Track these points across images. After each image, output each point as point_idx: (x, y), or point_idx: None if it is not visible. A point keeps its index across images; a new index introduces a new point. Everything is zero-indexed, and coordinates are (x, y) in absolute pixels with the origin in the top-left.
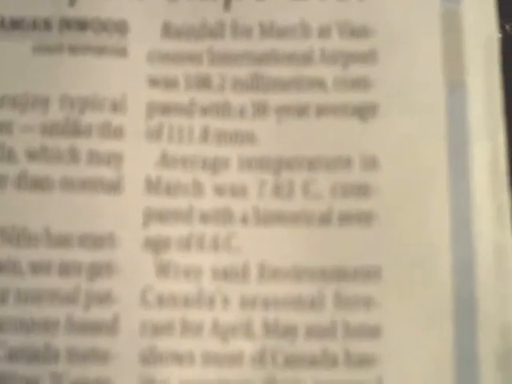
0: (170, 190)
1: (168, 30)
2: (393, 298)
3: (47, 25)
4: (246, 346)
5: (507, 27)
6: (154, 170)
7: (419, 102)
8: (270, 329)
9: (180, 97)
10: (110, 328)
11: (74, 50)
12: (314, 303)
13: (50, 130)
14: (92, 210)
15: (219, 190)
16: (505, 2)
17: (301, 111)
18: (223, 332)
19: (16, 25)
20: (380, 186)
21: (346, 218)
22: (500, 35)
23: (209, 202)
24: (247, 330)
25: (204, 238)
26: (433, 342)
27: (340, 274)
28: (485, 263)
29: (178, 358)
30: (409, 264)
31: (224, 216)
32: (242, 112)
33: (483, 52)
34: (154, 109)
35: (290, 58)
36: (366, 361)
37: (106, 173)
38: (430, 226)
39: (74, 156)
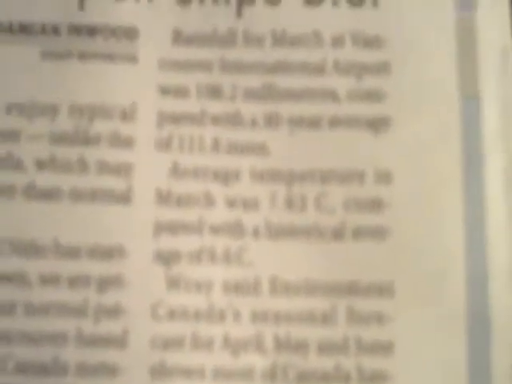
0: (181, 201)
1: (179, 37)
2: (406, 313)
3: (56, 30)
4: (257, 361)
5: None
6: (165, 181)
7: (433, 113)
8: (282, 344)
9: (191, 106)
10: (120, 342)
11: (83, 56)
12: (327, 318)
13: (58, 138)
14: (101, 222)
15: (230, 202)
16: None
17: (313, 123)
18: (234, 346)
19: (24, 29)
20: (393, 200)
21: (359, 233)
22: None
23: (220, 214)
24: (258, 345)
25: (215, 250)
26: (446, 357)
27: (353, 289)
28: (499, 276)
29: (188, 373)
30: (422, 279)
31: (235, 229)
32: (253, 122)
33: (498, 62)
34: (164, 118)
35: (303, 68)
36: (378, 377)
37: (115, 183)
38: (443, 240)
39: (83, 166)
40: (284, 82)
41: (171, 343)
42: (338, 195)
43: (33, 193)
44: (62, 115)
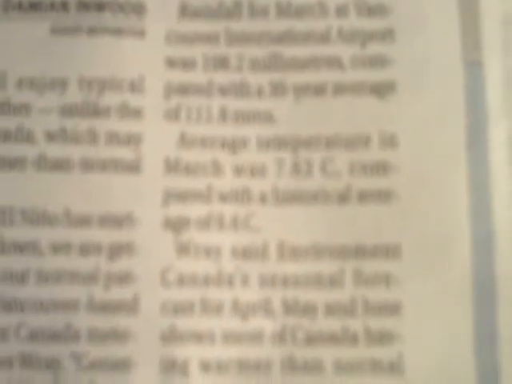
0: (189, 170)
1: (185, 11)
2: (412, 274)
3: (65, 6)
4: (266, 325)
5: None
6: (173, 151)
7: (437, 79)
8: (290, 307)
9: (198, 77)
10: (131, 308)
11: (91, 31)
12: (334, 281)
13: (68, 111)
14: (111, 191)
15: (238, 170)
16: None
17: (318, 90)
18: (243, 311)
19: (34, 6)
20: (399, 164)
21: (364, 196)
22: None
23: (228, 181)
24: (267, 309)
25: (223, 217)
26: (452, 318)
27: (359, 252)
28: (504, 239)
29: (199, 337)
30: (428, 241)
31: (243, 195)
32: (259, 92)
33: (501, 29)
34: (172, 89)
35: (308, 38)
36: (386, 338)
37: (124, 153)
38: (449, 203)
39: (92, 137)
40: (289, 51)
41: (181, 308)
42: (344, 160)
43: (43, 164)
44: (72, 88)
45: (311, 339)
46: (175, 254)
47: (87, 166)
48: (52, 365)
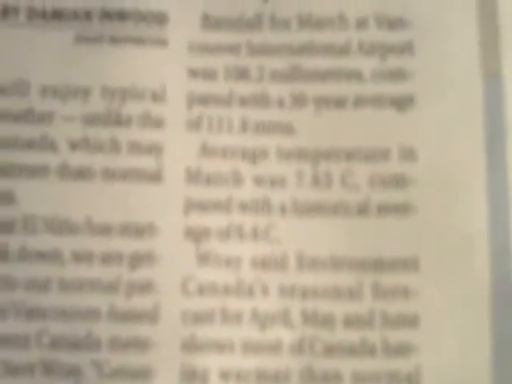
0: (210, 180)
1: (207, 22)
2: (431, 287)
3: (88, 15)
4: (285, 335)
5: None
6: (194, 161)
7: (456, 92)
8: (309, 318)
9: (219, 88)
10: (151, 316)
11: (114, 40)
12: (352, 293)
13: (91, 120)
14: (133, 200)
15: (258, 181)
16: None
17: (339, 102)
18: (262, 320)
19: (57, 15)
20: (418, 177)
21: (383, 209)
22: None
23: (248, 192)
24: (286, 319)
25: (243, 227)
26: (470, 331)
27: (378, 264)
28: None
29: (219, 346)
30: (446, 254)
31: (263, 206)
32: (280, 103)
33: None
34: (193, 99)
35: (328, 50)
36: (404, 350)
37: (146, 163)
38: (467, 216)
39: (115, 146)
40: (310, 63)
41: (201, 318)
42: (363, 172)
43: (66, 172)
44: (95, 97)
45: (329, 350)
46: (196, 263)
47: (109, 174)
48: (73, 372)
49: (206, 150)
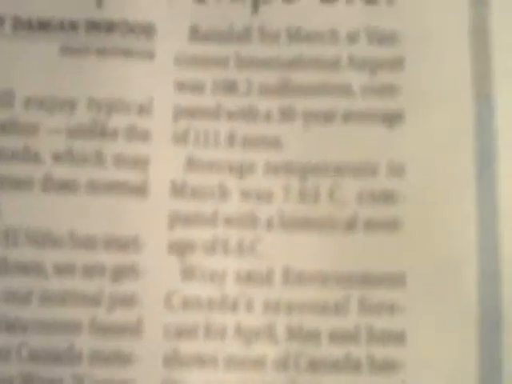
0: (196, 193)
1: (195, 34)
2: (417, 304)
3: (74, 26)
4: (269, 350)
5: None
6: (180, 174)
7: (446, 110)
8: (294, 333)
9: (206, 101)
10: (134, 330)
11: (100, 52)
12: (339, 308)
13: (76, 132)
14: (117, 213)
15: (245, 195)
16: None
17: (327, 117)
18: (246, 336)
19: (43, 26)
20: (406, 193)
21: (371, 225)
22: None
23: (234, 206)
24: (270, 334)
25: (229, 242)
26: (457, 348)
27: (365, 280)
28: (511, 270)
29: (201, 362)
30: (434, 271)
31: (249, 220)
32: (268, 117)
33: None
34: (180, 112)
35: (318, 64)
36: (389, 366)
37: (131, 176)
38: (456, 233)
39: (99, 159)
40: (299, 77)
41: (185, 332)
42: (351, 188)
43: (50, 185)
44: (80, 109)
45: (314, 366)
46: (180, 277)
47: (93, 187)
48: None
49: (192, 164)
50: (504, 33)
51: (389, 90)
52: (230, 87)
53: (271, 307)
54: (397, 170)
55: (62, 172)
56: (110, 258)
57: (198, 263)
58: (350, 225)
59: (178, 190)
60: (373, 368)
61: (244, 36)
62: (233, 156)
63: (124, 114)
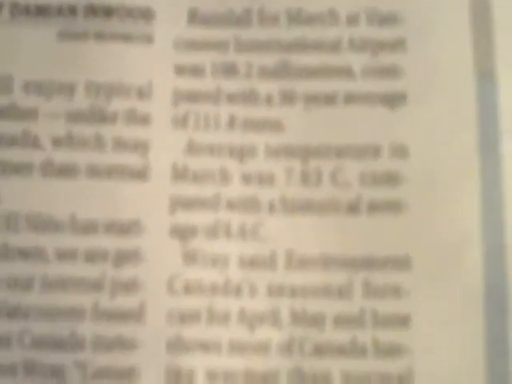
0: (197, 177)
1: (194, 17)
2: (423, 286)
3: (72, 11)
4: (274, 335)
5: None
6: (181, 158)
7: (448, 90)
8: (298, 317)
9: (206, 84)
10: (137, 316)
11: (99, 36)
12: (343, 292)
13: (75, 116)
14: (118, 197)
15: (246, 178)
16: None
17: (328, 99)
18: (250, 320)
19: (41, 11)
20: (409, 175)
21: (374, 207)
22: None
23: (236, 189)
24: (274, 319)
25: (231, 226)
26: (463, 331)
27: (369, 263)
28: None
29: (205, 347)
30: (439, 253)
31: (251, 204)
32: (268, 100)
33: None
34: (180, 96)
35: (318, 46)
36: (395, 350)
37: (132, 160)
38: (460, 215)
39: (99, 143)
40: (299, 59)
41: (187, 317)
42: (354, 170)
43: (50, 170)
44: (79, 94)
45: (319, 350)
46: (182, 262)
47: (94, 172)
48: (56, 373)
49: (192, 148)
50: (506, 11)
51: (390, 72)
52: (230, 70)
53: (275, 291)
54: (400, 152)
55: (61, 156)
56: (111, 243)
57: (200, 247)
58: (353, 207)
59: (178, 174)
60: (378, 352)
61: (243, 19)
62: (233, 139)
63: (123, 98)
